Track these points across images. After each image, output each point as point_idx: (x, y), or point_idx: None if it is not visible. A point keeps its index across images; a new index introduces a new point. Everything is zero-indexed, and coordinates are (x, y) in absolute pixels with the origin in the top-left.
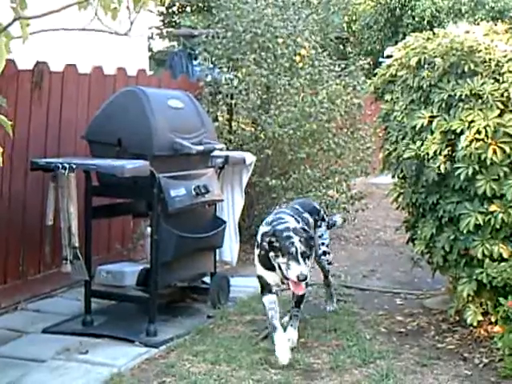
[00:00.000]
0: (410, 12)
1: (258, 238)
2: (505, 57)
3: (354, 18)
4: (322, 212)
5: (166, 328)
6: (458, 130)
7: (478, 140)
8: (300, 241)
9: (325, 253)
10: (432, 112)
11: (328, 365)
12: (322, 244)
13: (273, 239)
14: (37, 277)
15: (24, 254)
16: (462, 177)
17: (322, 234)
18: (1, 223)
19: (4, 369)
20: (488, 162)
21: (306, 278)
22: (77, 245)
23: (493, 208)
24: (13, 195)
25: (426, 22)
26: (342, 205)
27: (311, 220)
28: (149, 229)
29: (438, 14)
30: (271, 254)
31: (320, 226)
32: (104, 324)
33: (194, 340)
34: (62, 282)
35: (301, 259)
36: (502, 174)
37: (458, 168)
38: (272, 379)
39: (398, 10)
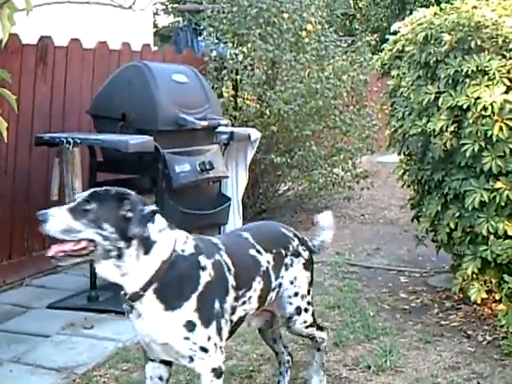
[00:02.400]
0: None
1: None
2: None
3: None
4: (296, 243)
5: None
6: (465, 106)
7: (484, 116)
8: None
9: (299, 311)
10: (438, 88)
11: (331, 340)
12: (295, 295)
13: None
14: (42, 253)
15: (29, 229)
16: (467, 153)
17: (295, 278)
18: (6, 199)
19: (9, 344)
20: (494, 139)
21: None
22: None
23: (498, 185)
24: (17, 170)
25: None
26: (347, 183)
27: (267, 257)
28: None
29: None
30: None
31: (291, 265)
32: (109, 299)
33: None
34: None
35: None
36: (507, 151)
37: (464, 145)
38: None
39: None
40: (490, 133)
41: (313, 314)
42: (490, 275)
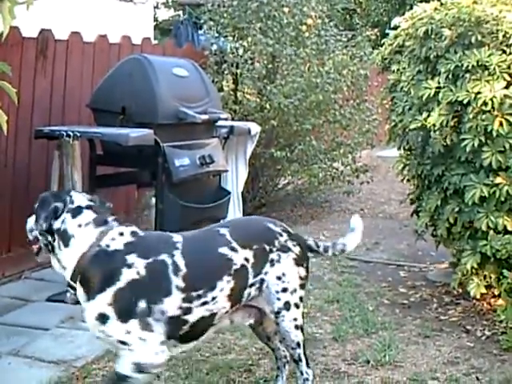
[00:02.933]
0: None
1: None
2: None
3: None
4: (284, 238)
5: None
6: (465, 101)
7: (484, 111)
8: None
9: (288, 306)
10: (439, 83)
11: (330, 335)
12: (284, 291)
13: None
14: None
15: None
16: (467, 148)
17: (284, 274)
18: (5, 191)
19: (8, 336)
20: (494, 134)
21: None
22: None
23: (498, 180)
24: (17, 163)
25: None
26: (346, 177)
27: (244, 254)
28: (153, 199)
29: None
30: None
31: (278, 261)
32: None
33: None
34: None
35: None
36: (507, 146)
37: (464, 140)
38: None
39: None
40: (490, 128)
41: (303, 316)
42: (489, 270)
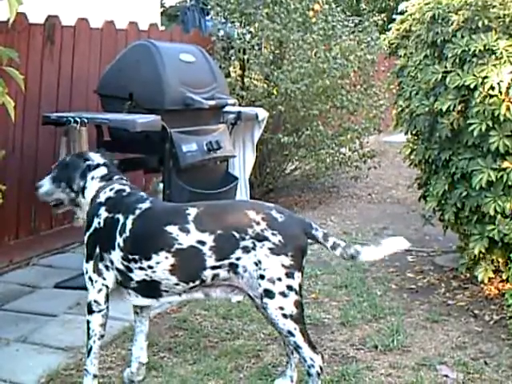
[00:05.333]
0: None
1: None
2: None
3: None
4: (262, 227)
5: None
6: (472, 86)
7: (491, 96)
8: None
9: (269, 294)
10: (446, 67)
11: (338, 320)
12: (261, 277)
13: None
14: (49, 232)
15: (36, 209)
16: (475, 133)
17: (260, 262)
18: (13, 178)
19: (17, 323)
20: (501, 119)
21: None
22: None
23: (505, 164)
24: (25, 150)
25: None
26: (354, 163)
27: (199, 236)
28: (161, 185)
29: None
30: None
31: (253, 249)
32: None
33: None
34: (74, 238)
35: None
36: None
37: (471, 124)
38: None
39: None
40: (497, 112)
41: (297, 305)
42: (497, 255)
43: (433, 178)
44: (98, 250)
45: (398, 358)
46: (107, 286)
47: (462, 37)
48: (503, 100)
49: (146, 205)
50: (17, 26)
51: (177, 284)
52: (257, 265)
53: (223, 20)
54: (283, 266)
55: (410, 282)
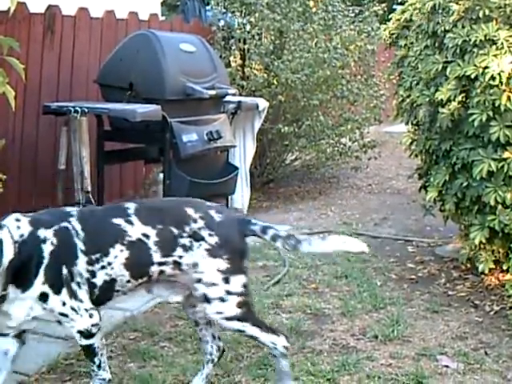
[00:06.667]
0: None
1: None
2: None
3: None
4: (199, 225)
5: None
6: (473, 76)
7: (492, 86)
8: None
9: (206, 299)
10: (446, 57)
11: (339, 310)
12: (198, 281)
13: None
14: None
15: (36, 198)
16: (475, 123)
17: (197, 264)
18: (13, 168)
19: None
20: (502, 109)
21: None
22: (89, 189)
23: (506, 155)
24: (25, 139)
25: None
26: (354, 153)
27: (143, 229)
28: (161, 175)
29: None
30: None
31: (191, 249)
32: None
33: None
34: None
35: None
36: None
37: (472, 114)
38: (283, 323)
39: None
40: (497, 102)
41: (242, 306)
42: (497, 245)
43: (433, 169)
44: (64, 270)
45: (399, 348)
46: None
47: (463, 27)
48: (504, 90)
49: (71, 208)
50: (17, 16)
51: (128, 281)
52: (193, 267)
53: (223, 10)
54: (219, 270)
55: (411, 273)
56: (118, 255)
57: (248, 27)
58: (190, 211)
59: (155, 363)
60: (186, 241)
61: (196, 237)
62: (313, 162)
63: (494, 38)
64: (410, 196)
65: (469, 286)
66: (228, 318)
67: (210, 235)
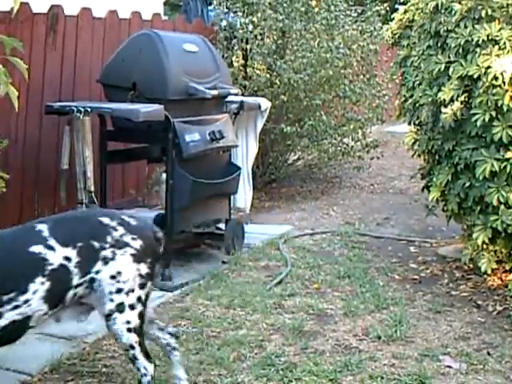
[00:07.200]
0: None
1: None
2: None
3: None
4: (121, 232)
5: (180, 273)
6: (475, 76)
7: (494, 86)
8: None
9: (122, 308)
10: (449, 57)
11: (341, 310)
12: (118, 291)
13: None
14: None
15: (39, 198)
16: (478, 123)
17: (119, 273)
18: (16, 167)
19: None
20: (505, 109)
21: None
22: (92, 189)
23: (509, 155)
24: (28, 139)
25: None
26: (357, 153)
27: (64, 252)
28: (164, 175)
29: None
30: None
31: (113, 259)
32: None
33: (208, 285)
34: None
35: None
36: None
37: (475, 114)
38: (285, 323)
39: None
40: (500, 102)
41: (141, 317)
42: (500, 245)
43: (436, 169)
44: None
45: (401, 349)
46: None
47: (465, 27)
48: (506, 90)
49: None
50: (20, 16)
51: (45, 313)
52: (114, 278)
53: (226, 10)
54: (140, 275)
55: (413, 273)
56: (39, 289)
57: (250, 27)
58: (106, 220)
59: (158, 363)
60: (107, 252)
61: (119, 244)
62: (315, 162)
63: (497, 38)
64: (413, 196)
65: (471, 286)
66: (130, 330)
67: (134, 239)
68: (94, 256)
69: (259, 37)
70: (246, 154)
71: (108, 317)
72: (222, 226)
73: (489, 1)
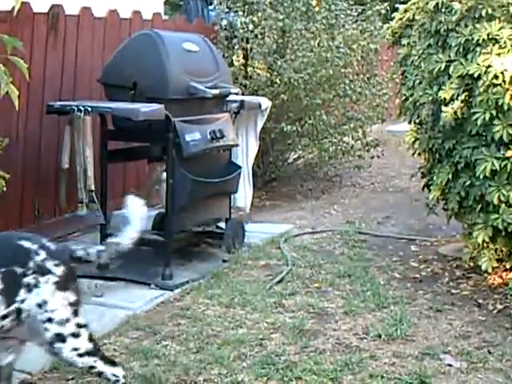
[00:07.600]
0: None
1: None
2: None
3: None
4: (42, 256)
5: (181, 272)
6: (476, 75)
7: (495, 85)
8: None
9: (61, 338)
10: (449, 56)
11: (341, 309)
12: (50, 321)
13: None
14: (52, 220)
15: (39, 198)
16: (478, 122)
17: (45, 302)
18: (16, 167)
19: None
20: (505, 108)
21: None
22: (92, 188)
23: (509, 153)
24: (28, 138)
25: None
26: (357, 152)
27: None
28: (164, 174)
29: None
30: None
31: (36, 286)
32: (119, 267)
33: (208, 284)
34: (77, 226)
35: None
36: None
37: (475, 113)
38: (285, 322)
39: None
40: (501, 101)
41: (92, 339)
42: (500, 244)
43: (436, 167)
44: None
45: (402, 347)
46: None
47: (466, 26)
48: (507, 89)
49: None
50: (20, 15)
51: None
52: (41, 307)
53: (226, 9)
54: (69, 304)
55: (414, 272)
56: None
57: (251, 26)
58: (25, 243)
59: (157, 362)
60: (30, 279)
61: (42, 270)
62: (315, 161)
63: (497, 37)
64: (413, 195)
65: (472, 285)
66: (81, 355)
67: (56, 265)
68: (17, 283)
69: (260, 36)
70: (246, 153)
71: (51, 347)
72: (222, 225)
73: (489, 0)
